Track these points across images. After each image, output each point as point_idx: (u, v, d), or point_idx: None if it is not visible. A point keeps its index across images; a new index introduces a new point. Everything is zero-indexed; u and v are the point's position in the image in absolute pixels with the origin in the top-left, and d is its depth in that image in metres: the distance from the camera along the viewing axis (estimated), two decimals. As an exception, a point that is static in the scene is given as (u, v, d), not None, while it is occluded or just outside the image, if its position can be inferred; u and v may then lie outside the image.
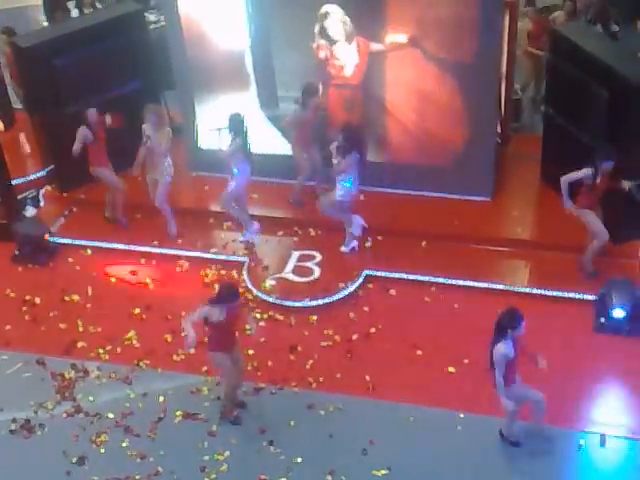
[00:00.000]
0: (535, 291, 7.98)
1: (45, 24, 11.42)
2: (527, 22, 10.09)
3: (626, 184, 7.61)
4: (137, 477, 6.66)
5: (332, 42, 8.59)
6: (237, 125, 8.15)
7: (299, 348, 7.65)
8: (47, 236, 8.84)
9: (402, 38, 8.35)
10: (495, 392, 6.26)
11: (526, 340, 6.27)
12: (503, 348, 6.05)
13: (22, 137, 10.38)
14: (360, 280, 8.24)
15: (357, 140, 7.96)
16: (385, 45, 8.46)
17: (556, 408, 6.88)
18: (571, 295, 7.89)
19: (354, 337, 7.72)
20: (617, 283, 7.70)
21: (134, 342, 7.83)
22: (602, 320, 7.62)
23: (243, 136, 8.16)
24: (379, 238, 8.64)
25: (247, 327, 7.25)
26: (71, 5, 11.48)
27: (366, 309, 8.03)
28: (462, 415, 6.84)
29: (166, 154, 8.53)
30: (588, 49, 8.12)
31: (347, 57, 8.63)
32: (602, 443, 6.66)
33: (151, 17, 10.76)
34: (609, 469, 6.57)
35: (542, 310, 7.78)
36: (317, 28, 8.55)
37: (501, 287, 8.02)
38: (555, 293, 7.93)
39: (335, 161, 8.02)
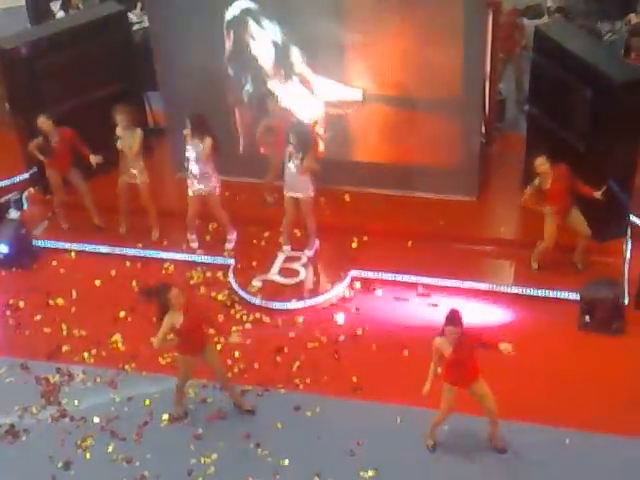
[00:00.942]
0: (520, 290, 8.02)
1: (27, 26, 11.32)
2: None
3: (598, 194, 7.67)
4: (123, 481, 6.65)
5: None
6: (202, 125, 8.08)
7: (285, 350, 7.64)
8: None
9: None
10: None
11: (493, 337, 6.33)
12: (437, 341, 6.22)
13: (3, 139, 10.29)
14: (346, 281, 8.25)
15: (309, 137, 7.94)
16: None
17: (541, 406, 6.93)
18: (555, 294, 7.92)
19: (340, 338, 7.72)
20: (600, 282, 7.74)
21: (119, 345, 7.80)
22: (586, 319, 7.66)
23: (213, 135, 8.09)
24: (365, 238, 8.65)
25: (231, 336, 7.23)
26: (55, 6, 11.39)
27: (352, 310, 8.03)
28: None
29: (139, 155, 8.49)
30: (571, 48, 8.15)
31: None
32: (588, 442, 6.70)
33: (133, 17, 10.69)
34: (595, 467, 6.58)
35: (526, 309, 7.83)
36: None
37: (486, 286, 8.05)
38: (539, 292, 7.96)
39: (292, 165, 7.96)
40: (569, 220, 7.93)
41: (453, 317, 6.15)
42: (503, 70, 10.28)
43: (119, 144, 8.39)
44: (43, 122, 8.45)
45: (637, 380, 7.13)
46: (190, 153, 8.20)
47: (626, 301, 7.76)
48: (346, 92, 8.71)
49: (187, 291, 7.07)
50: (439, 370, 6.38)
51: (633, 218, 8.44)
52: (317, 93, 8.80)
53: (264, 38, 8.67)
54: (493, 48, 9.03)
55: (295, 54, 8.67)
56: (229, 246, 8.73)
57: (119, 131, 8.38)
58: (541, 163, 7.64)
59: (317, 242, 8.56)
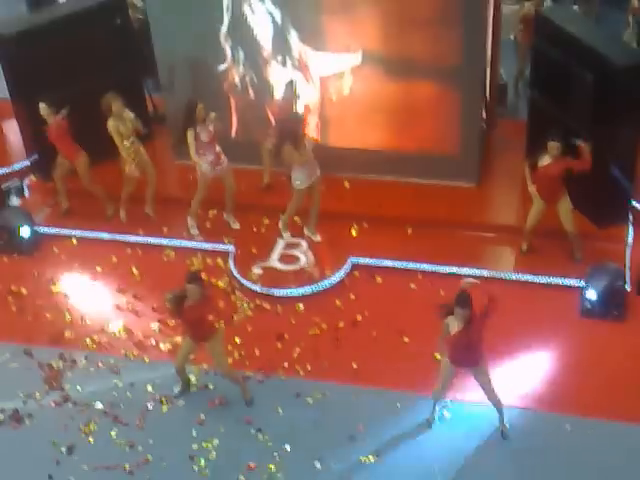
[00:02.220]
0: (521, 277, 8.02)
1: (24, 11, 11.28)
2: (529, 6, 9.94)
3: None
4: (126, 466, 6.70)
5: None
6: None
7: (286, 336, 7.67)
8: (25, 230, 8.75)
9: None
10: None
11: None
12: (448, 319, 6.32)
13: (4, 126, 10.31)
14: (346, 268, 8.27)
15: (289, 132, 7.93)
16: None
17: (543, 392, 6.97)
18: (557, 280, 7.92)
19: (341, 325, 7.75)
20: (602, 268, 7.75)
21: (121, 332, 7.84)
22: (588, 305, 7.67)
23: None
24: (365, 225, 8.65)
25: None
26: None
27: (352, 297, 8.04)
28: (449, 401, 6.89)
29: None
30: (573, 32, 8.10)
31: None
32: (589, 427, 6.73)
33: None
34: (597, 453, 6.62)
35: (528, 295, 7.84)
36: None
37: (487, 273, 8.04)
38: (541, 278, 7.96)
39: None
40: (559, 210, 7.90)
41: (462, 299, 6.18)
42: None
43: (123, 129, 8.33)
44: (44, 109, 8.44)
45: (638, 366, 7.14)
46: (203, 135, 8.16)
47: (627, 287, 7.76)
48: (344, 60, 8.58)
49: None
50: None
51: (635, 204, 8.43)
52: (315, 73, 8.69)
53: (263, 11, 8.56)
54: (495, 33, 8.98)
55: (293, 32, 8.56)
56: (236, 226, 8.73)
57: (118, 117, 8.32)
58: (554, 148, 7.58)
59: None
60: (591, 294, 7.58)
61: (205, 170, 8.37)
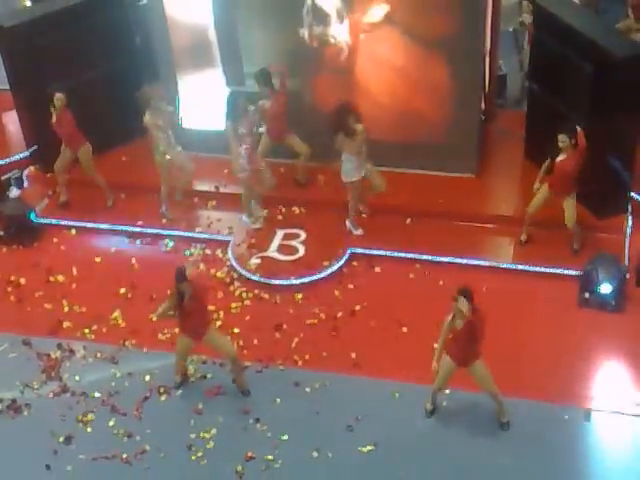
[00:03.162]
0: (519, 267, 8.03)
1: (28, 3, 11.25)
2: None
3: None
4: (124, 455, 6.71)
5: (325, 22, 8.47)
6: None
7: (284, 326, 7.67)
8: (33, 215, 8.83)
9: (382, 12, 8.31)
10: None
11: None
12: (449, 318, 6.36)
13: (4, 118, 10.30)
14: (345, 258, 8.26)
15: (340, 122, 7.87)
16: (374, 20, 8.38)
17: (541, 383, 6.96)
18: (555, 270, 7.92)
19: (339, 315, 7.76)
20: (602, 258, 7.75)
21: (120, 322, 7.85)
22: (586, 295, 7.67)
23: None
24: (363, 216, 8.64)
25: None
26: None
27: (351, 287, 8.05)
28: (447, 391, 6.89)
29: None
30: (572, 23, 8.09)
31: (342, 38, 8.52)
32: (587, 418, 6.75)
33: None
34: (595, 443, 6.66)
35: (526, 286, 7.84)
36: (305, 9, 8.43)
37: (486, 263, 8.05)
38: (539, 269, 7.97)
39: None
40: (565, 205, 7.88)
41: (462, 294, 6.17)
42: None
43: (161, 122, 8.25)
44: (61, 99, 8.38)
45: (637, 357, 7.14)
46: (247, 128, 8.07)
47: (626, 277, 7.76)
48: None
49: (196, 275, 7.09)
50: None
51: (634, 194, 8.42)
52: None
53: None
54: (493, 23, 8.97)
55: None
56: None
57: (156, 110, 8.20)
58: (562, 140, 7.56)
59: None
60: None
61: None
